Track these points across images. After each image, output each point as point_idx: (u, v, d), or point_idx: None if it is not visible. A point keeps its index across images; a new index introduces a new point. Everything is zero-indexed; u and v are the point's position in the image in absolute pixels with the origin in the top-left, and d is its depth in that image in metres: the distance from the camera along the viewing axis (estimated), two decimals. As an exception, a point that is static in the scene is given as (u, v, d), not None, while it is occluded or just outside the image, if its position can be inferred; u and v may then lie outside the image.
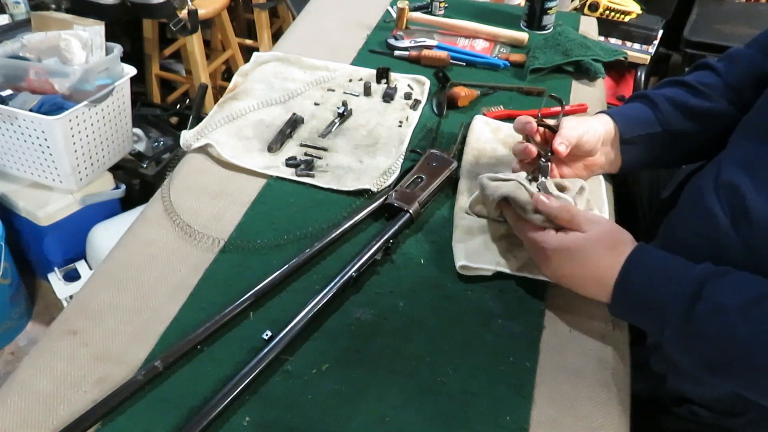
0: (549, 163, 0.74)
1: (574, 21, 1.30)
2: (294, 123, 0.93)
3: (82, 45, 1.45)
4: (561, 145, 0.73)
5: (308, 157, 0.87)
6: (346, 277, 0.67)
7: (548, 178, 0.72)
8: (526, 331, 0.66)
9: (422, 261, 0.74)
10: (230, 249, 0.74)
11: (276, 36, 2.43)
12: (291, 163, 0.86)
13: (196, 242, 0.75)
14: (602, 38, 2.16)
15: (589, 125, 0.76)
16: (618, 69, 2.26)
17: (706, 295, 0.57)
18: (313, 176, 0.84)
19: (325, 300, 0.65)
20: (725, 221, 0.65)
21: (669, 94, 0.80)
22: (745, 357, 0.55)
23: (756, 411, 0.70)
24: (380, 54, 1.15)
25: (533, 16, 1.22)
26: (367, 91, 1.01)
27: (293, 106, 0.98)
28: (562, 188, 0.73)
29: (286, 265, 0.70)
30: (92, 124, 1.49)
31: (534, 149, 0.73)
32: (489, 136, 0.91)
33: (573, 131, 0.74)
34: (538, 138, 0.76)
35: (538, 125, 0.75)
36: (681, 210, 0.75)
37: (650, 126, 0.79)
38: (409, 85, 1.04)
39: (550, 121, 0.76)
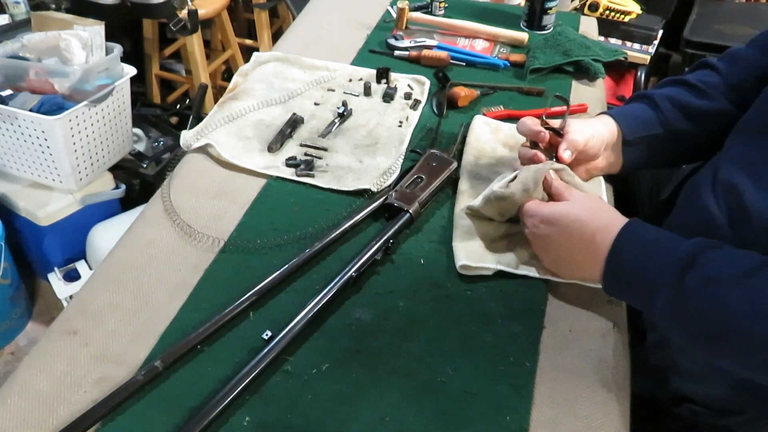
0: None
1: (574, 21, 1.30)
2: (294, 123, 0.93)
3: (82, 45, 1.45)
4: (566, 152, 0.73)
5: (308, 157, 0.87)
6: (346, 277, 0.67)
7: None
8: (526, 331, 0.66)
9: (422, 261, 0.74)
10: (230, 249, 0.74)
11: (276, 36, 2.43)
12: (291, 163, 0.86)
13: (196, 242, 0.75)
14: (602, 38, 2.16)
15: (594, 129, 0.76)
16: (618, 69, 2.26)
17: (698, 266, 0.57)
18: (313, 176, 0.84)
19: (325, 300, 0.65)
20: (722, 219, 0.65)
21: (670, 94, 0.80)
22: (738, 327, 0.55)
23: (755, 409, 0.70)
24: (380, 54, 1.15)
25: (533, 16, 1.22)
26: (367, 91, 1.01)
27: (293, 106, 0.98)
28: None
29: (286, 265, 0.70)
30: (92, 124, 1.49)
31: (543, 156, 0.74)
32: (489, 136, 0.91)
33: (579, 136, 0.74)
34: (543, 145, 0.76)
35: (543, 128, 0.75)
36: (679, 209, 0.75)
37: (652, 127, 0.79)
38: (409, 85, 1.04)
39: (555, 122, 0.76)
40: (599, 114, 0.82)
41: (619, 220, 0.64)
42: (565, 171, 0.72)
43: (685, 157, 0.85)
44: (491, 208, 0.73)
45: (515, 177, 0.71)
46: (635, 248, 0.62)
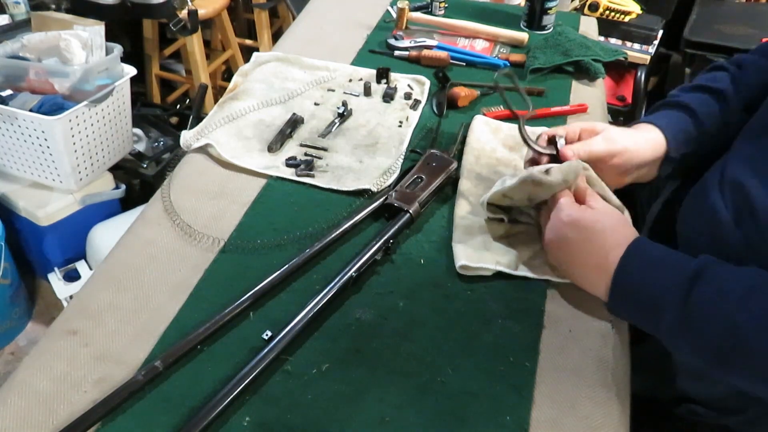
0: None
1: (574, 21, 1.30)
2: (294, 123, 0.93)
3: (82, 45, 1.45)
4: (569, 151, 0.73)
5: (308, 157, 0.87)
6: (346, 277, 0.67)
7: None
8: (526, 331, 0.66)
9: (422, 261, 0.74)
10: (230, 249, 0.74)
11: (276, 36, 2.43)
12: (291, 163, 0.86)
13: (196, 242, 0.75)
14: (602, 38, 2.16)
15: (635, 146, 0.74)
16: (618, 69, 2.26)
17: (704, 280, 0.57)
18: (313, 176, 0.84)
19: (325, 300, 0.65)
20: (728, 218, 0.65)
21: (709, 113, 0.78)
22: (744, 342, 0.55)
23: (756, 408, 0.70)
24: (380, 54, 1.15)
25: (533, 16, 1.22)
26: (367, 91, 1.01)
27: (293, 106, 0.98)
28: None
29: (286, 265, 0.70)
30: (92, 124, 1.49)
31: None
32: (489, 136, 0.91)
33: (596, 146, 0.73)
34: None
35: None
36: (684, 208, 0.75)
37: (690, 145, 0.77)
38: (409, 85, 1.04)
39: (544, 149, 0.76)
40: (650, 124, 0.78)
41: (630, 239, 0.64)
42: (592, 176, 0.71)
43: (695, 166, 0.83)
44: (523, 191, 0.71)
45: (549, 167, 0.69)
46: (642, 266, 0.62)
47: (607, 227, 0.65)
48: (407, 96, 1.01)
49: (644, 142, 0.76)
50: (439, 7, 1.27)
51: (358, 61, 1.12)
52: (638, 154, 0.75)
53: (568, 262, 0.68)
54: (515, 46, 1.18)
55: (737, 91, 0.79)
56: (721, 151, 0.75)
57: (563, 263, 0.69)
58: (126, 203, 1.73)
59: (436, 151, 0.85)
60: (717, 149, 0.78)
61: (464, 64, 1.12)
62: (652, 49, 2.18)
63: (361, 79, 1.05)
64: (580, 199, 0.69)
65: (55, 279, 1.62)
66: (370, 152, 0.89)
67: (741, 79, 0.80)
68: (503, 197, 0.73)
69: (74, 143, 1.45)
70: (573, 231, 0.66)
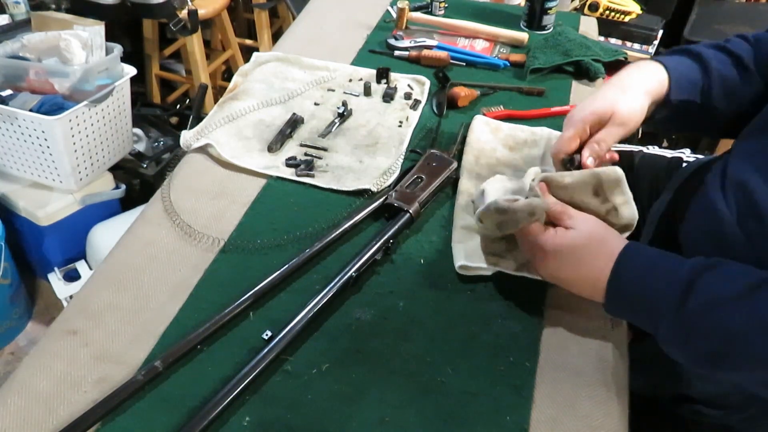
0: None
1: (574, 21, 1.30)
2: (294, 123, 0.93)
3: (82, 45, 1.45)
4: (589, 158, 0.71)
5: (308, 157, 0.87)
6: (346, 277, 0.67)
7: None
8: (526, 331, 0.66)
9: (422, 261, 0.74)
10: (230, 249, 0.74)
11: (276, 36, 2.43)
12: (291, 163, 0.86)
13: (196, 242, 0.75)
14: (602, 38, 2.16)
15: (642, 112, 0.72)
16: (618, 69, 2.24)
17: (697, 289, 0.57)
18: (313, 176, 0.84)
19: (325, 300, 0.65)
20: (731, 218, 0.65)
21: (721, 67, 0.76)
22: (741, 347, 0.55)
23: (758, 406, 0.70)
24: (380, 54, 1.15)
25: (533, 16, 1.22)
26: (367, 91, 1.01)
27: (293, 106, 0.98)
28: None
29: (286, 265, 0.70)
30: (92, 124, 1.49)
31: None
32: (489, 136, 0.91)
33: (601, 145, 0.72)
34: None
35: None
36: (684, 209, 0.75)
37: (693, 93, 0.75)
38: (409, 85, 1.04)
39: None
40: (658, 62, 0.76)
41: (620, 245, 0.63)
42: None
43: (703, 130, 0.81)
44: (491, 219, 0.68)
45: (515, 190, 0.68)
46: (634, 275, 0.61)
47: (587, 242, 0.63)
48: (407, 96, 1.01)
49: (647, 97, 0.74)
50: (439, 7, 1.27)
51: (358, 61, 1.12)
52: (643, 113, 0.73)
53: (564, 283, 0.66)
54: (515, 46, 1.18)
55: (757, 60, 0.76)
56: (730, 130, 0.73)
57: (560, 284, 0.67)
58: (126, 203, 1.73)
59: (436, 151, 0.85)
60: (725, 122, 0.76)
61: (464, 64, 1.12)
62: (652, 49, 2.18)
63: (361, 79, 1.05)
64: (555, 219, 0.67)
65: (55, 279, 1.62)
66: (370, 152, 0.89)
67: (762, 50, 0.77)
68: (478, 220, 0.70)
69: (74, 143, 1.45)
70: (554, 261, 0.64)
